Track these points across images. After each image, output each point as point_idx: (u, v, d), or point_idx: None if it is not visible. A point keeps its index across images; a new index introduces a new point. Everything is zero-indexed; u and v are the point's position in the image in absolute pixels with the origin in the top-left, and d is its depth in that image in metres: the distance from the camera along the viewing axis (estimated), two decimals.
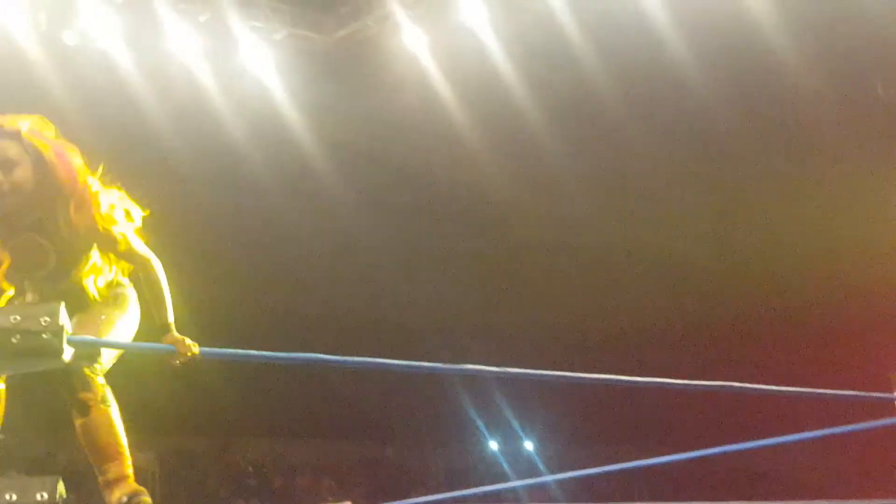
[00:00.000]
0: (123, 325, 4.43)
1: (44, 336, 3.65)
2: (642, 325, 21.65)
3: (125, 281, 4.48)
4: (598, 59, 15.62)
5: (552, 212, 19.92)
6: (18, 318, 3.65)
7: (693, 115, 16.77)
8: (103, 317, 4.33)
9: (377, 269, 20.12)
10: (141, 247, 4.34)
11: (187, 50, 14.61)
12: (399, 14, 14.95)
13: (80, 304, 4.30)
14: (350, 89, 16.68)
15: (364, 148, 18.25)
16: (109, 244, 4.29)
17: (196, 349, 4.11)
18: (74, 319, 4.08)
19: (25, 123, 4.17)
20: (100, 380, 4.26)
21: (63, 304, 3.77)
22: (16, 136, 4.11)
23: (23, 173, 4.07)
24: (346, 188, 18.50)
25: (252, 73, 15.33)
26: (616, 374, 4.38)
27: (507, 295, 21.32)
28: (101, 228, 4.23)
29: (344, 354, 4.52)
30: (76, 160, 4.21)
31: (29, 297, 4.23)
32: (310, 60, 15.70)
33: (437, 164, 18.44)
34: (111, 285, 4.43)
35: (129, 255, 4.33)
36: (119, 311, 4.42)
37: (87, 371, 4.21)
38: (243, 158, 17.07)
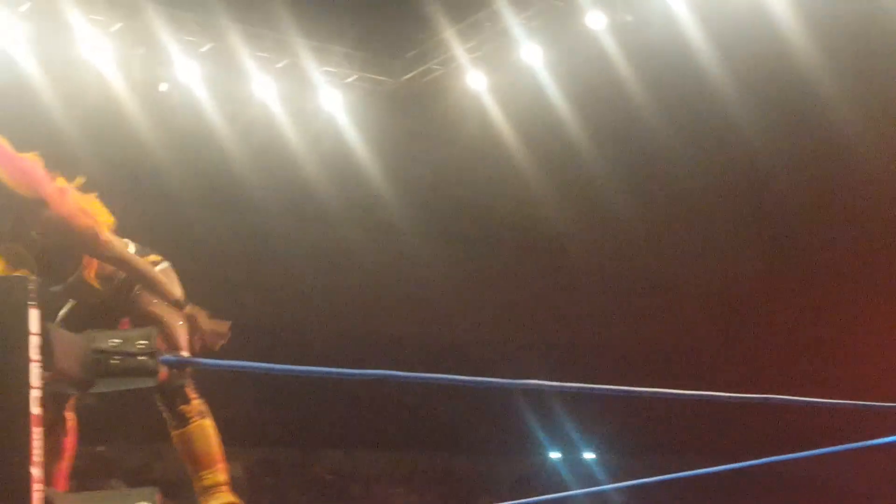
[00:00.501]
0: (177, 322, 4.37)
1: (140, 358, 3.70)
2: (692, 341, 21.46)
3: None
4: (648, 94, 15.56)
5: (605, 237, 19.86)
6: (118, 341, 3.71)
7: (739, 145, 16.64)
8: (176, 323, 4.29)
9: (442, 295, 20.14)
10: (116, 247, 4.18)
11: (266, 93, 14.76)
12: (462, 58, 15.01)
13: (87, 299, 4.24)
14: (415, 127, 16.79)
15: (428, 181, 18.32)
16: (83, 245, 4.15)
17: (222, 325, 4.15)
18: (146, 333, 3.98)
19: None
20: (194, 393, 4.29)
21: (156, 330, 3.81)
22: None
23: None
24: (411, 219, 18.57)
25: (324, 114, 15.45)
26: (668, 387, 4.34)
27: (564, 315, 21.23)
28: (74, 229, 4.09)
29: (415, 371, 4.51)
30: (36, 169, 4.06)
31: None
32: (378, 101, 15.81)
33: (497, 195, 18.46)
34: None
35: (103, 255, 4.18)
36: (175, 314, 4.37)
37: (186, 388, 4.25)
38: (316, 192, 17.21)
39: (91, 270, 4.23)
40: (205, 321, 4.26)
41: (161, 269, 4.36)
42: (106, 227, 4.21)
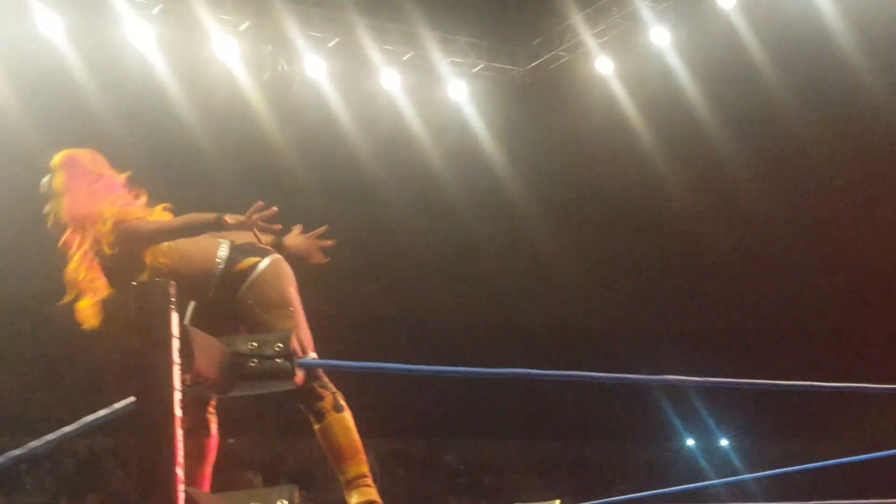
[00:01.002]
0: (302, 319, 4.42)
1: (277, 361, 3.76)
2: (827, 325, 20.98)
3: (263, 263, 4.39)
4: (780, 75, 15.24)
5: (734, 219, 19.51)
6: (255, 344, 3.79)
7: (877, 126, 16.18)
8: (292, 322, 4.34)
9: (571, 283, 20.06)
10: (147, 224, 4.21)
11: (392, 86, 14.86)
12: (589, 43, 14.87)
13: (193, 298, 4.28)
14: (542, 114, 16.71)
15: (554, 168, 18.25)
16: (125, 237, 4.22)
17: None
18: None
19: (60, 158, 4.33)
20: (330, 389, 4.35)
21: (293, 332, 3.88)
22: (51, 172, 4.32)
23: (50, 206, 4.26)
24: (539, 207, 18.53)
25: (450, 105, 15.47)
26: (806, 373, 4.24)
27: (695, 301, 20.95)
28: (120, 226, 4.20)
29: (545, 362, 4.51)
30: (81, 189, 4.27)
31: None
32: (504, 89, 15.77)
33: (627, 181, 18.28)
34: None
35: (142, 236, 4.20)
36: (298, 316, 4.41)
37: (316, 386, 4.31)
38: (443, 184, 17.29)
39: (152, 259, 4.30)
40: (296, 241, 4.32)
41: (265, 265, 4.39)
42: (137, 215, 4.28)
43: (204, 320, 4.17)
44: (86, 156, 4.40)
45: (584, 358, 18.39)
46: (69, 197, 4.25)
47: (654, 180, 17.67)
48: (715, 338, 20.80)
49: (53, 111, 14.00)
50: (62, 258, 4.34)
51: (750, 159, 17.41)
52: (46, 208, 4.32)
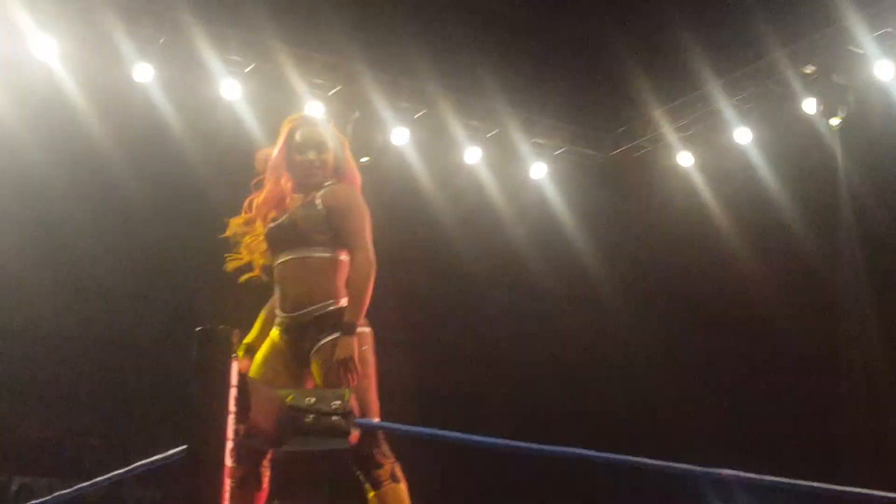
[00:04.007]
0: (373, 384, 4.39)
1: (334, 418, 3.70)
2: None
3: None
4: (867, 183, 15.06)
5: (820, 321, 19.13)
6: (313, 399, 3.73)
7: None
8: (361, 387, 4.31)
9: (644, 372, 19.81)
10: (367, 238, 4.40)
11: (475, 161, 14.93)
12: (671, 136, 14.86)
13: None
14: (622, 201, 16.65)
15: (634, 256, 18.11)
16: (345, 223, 4.53)
17: (347, 352, 4.12)
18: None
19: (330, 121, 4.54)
20: (390, 458, 4.26)
21: (350, 391, 3.82)
22: (325, 124, 4.43)
23: (328, 156, 4.33)
24: (617, 294, 18.38)
25: (532, 184, 15.50)
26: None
27: (770, 403, 20.51)
28: (347, 211, 4.51)
29: (618, 448, 4.37)
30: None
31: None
32: (585, 173, 15.78)
33: (706, 275, 18.07)
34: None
35: (352, 238, 4.35)
36: (367, 379, 4.37)
37: (376, 453, 4.22)
38: (524, 261, 17.25)
39: None
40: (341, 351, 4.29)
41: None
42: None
43: (278, 357, 4.17)
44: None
45: (653, 445, 18.05)
46: (347, 156, 4.47)
47: (735, 276, 17.45)
48: (783, 444, 20.30)
49: (149, 158, 14.40)
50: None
51: (834, 259, 17.12)
52: (324, 151, 4.38)
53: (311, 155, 4.40)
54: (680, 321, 19.46)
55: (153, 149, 14.25)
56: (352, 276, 4.47)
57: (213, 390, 3.21)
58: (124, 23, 12.28)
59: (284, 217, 4.58)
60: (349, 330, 4.28)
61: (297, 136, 4.47)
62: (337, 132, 4.56)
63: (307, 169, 4.38)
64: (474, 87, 14.38)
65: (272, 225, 4.61)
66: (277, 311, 4.52)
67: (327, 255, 4.50)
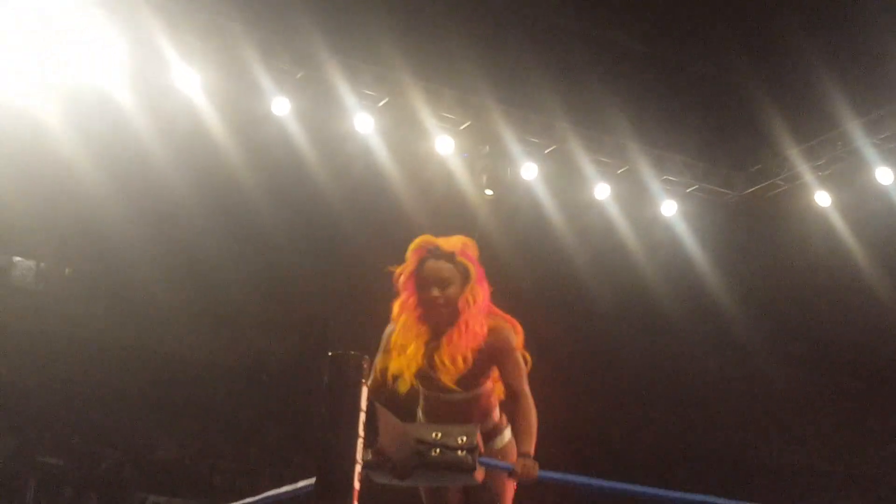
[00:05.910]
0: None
1: (459, 453, 3.67)
2: None
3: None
4: None
5: None
6: (440, 434, 3.71)
7: None
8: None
9: (780, 415, 19.40)
10: (522, 381, 4.32)
11: (605, 198, 14.81)
12: (808, 175, 14.49)
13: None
14: (757, 242, 16.32)
15: (770, 297, 17.73)
16: (499, 364, 4.28)
17: (535, 471, 3.99)
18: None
19: (459, 246, 4.33)
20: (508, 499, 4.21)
21: (476, 428, 3.79)
22: (451, 257, 4.28)
23: (454, 290, 4.22)
24: (752, 334, 18.03)
25: (663, 222, 15.30)
26: None
27: None
28: (496, 351, 4.26)
29: (728, 490, 4.25)
30: (485, 285, 4.34)
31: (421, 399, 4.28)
32: (718, 212, 15.49)
33: (843, 319, 17.60)
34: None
35: (510, 383, 4.29)
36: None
37: (496, 490, 4.18)
38: (657, 301, 17.07)
39: None
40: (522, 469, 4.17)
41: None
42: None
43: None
44: (473, 246, 4.46)
45: (772, 490, 17.61)
46: (482, 288, 4.33)
47: (876, 321, 16.96)
48: None
49: (284, 188, 14.67)
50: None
51: None
52: (450, 289, 4.30)
53: (435, 292, 4.30)
54: (815, 367, 18.99)
55: (288, 179, 14.55)
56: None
57: (344, 413, 3.25)
58: (264, 57, 12.55)
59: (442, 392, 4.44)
60: None
61: (424, 271, 4.37)
62: (466, 261, 4.34)
63: (431, 306, 4.30)
64: (604, 123, 14.28)
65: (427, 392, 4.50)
66: None
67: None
